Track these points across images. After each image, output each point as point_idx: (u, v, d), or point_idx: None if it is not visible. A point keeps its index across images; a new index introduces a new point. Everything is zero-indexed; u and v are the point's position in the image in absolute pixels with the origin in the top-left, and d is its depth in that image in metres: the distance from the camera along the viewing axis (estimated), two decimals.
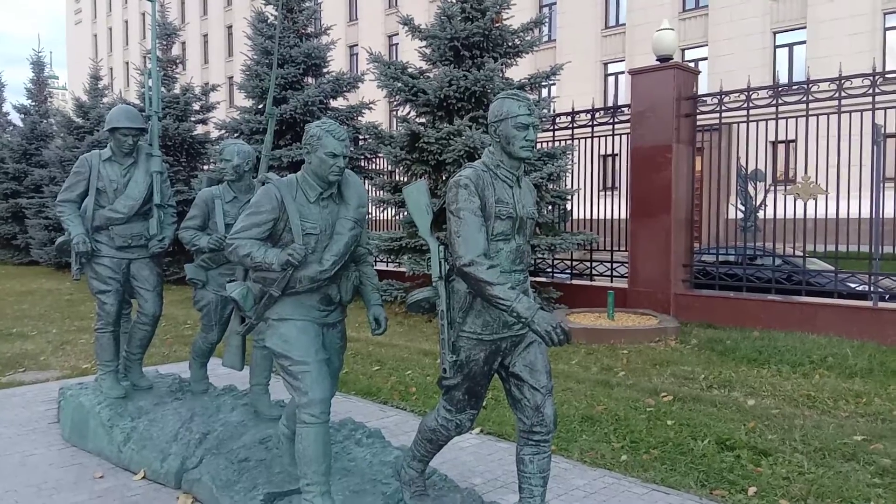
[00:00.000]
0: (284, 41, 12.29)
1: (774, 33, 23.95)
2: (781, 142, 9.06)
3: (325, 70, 12.81)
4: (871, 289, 8.06)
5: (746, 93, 8.91)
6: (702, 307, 9.14)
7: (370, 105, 12.44)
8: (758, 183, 11.39)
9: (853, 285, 8.75)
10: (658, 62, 9.63)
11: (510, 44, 9.62)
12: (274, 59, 3.56)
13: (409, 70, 9.73)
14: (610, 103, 25.04)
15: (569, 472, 3.93)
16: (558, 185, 9.46)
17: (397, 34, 33.75)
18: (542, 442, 2.70)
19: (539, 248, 8.93)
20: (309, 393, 2.90)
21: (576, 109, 10.19)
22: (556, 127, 10.43)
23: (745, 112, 8.91)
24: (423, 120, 9.74)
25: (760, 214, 9.96)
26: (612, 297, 8.70)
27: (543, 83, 9.55)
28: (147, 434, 4.01)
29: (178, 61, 15.51)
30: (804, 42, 23.11)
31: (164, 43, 15.30)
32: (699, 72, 9.95)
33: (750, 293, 9.02)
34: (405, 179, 9.93)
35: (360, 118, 12.67)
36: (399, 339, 8.19)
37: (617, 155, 10.14)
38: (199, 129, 15.23)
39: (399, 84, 9.39)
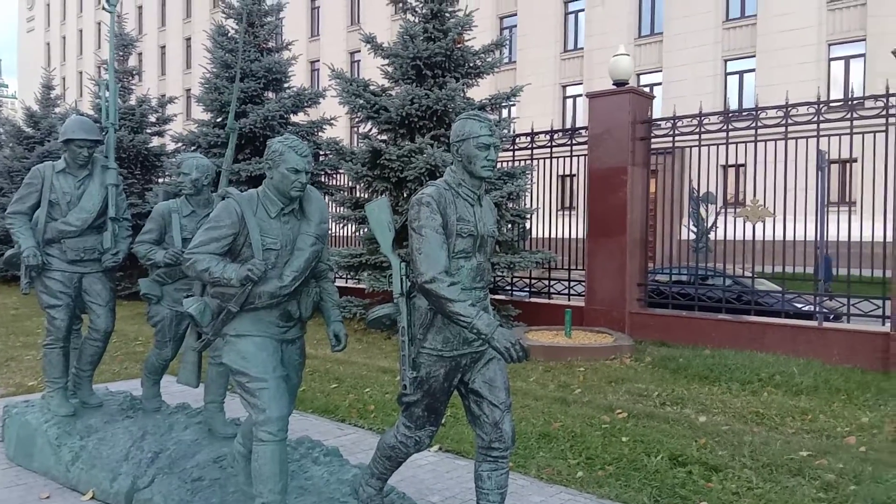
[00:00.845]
0: (245, 55, 12.22)
1: (726, 60, 24.78)
2: (731, 166, 9.35)
3: (285, 85, 12.78)
4: (817, 309, 8.35)
5: (699, 118, 9.20)
6: (656, 325, 9.33)
7: (331, 121, 12.44)
8: (709, 205, 11.75)
9: (800, 305, 9.06)
10: (615, 86, 9.89)
11: (471, 64, 9.76)
12: (236, 72, 3.56)
13: (371, 87, 9.77)
14: (568, 125, 25.51)
15: (526, 488, 3.96)
16: (518, 204, 9.58)
17: (359, 51, 33.81)
18: (501, 458, 2.73)
19: (499, 266, 9.01)
20: (266, 410, 2.87)
21: (535, 130, 10.35)
22: (515, 147, 10.59)
23: (696, 137, 9.19)
24: (384, 137, 9.78)
25: (711, 236, 10.28)
26: (570, 315, 8.82)
27: (504, 104, 9.70)
28: (97, 453, 3.91)
29: (134, 72, 15.27)
30: (754, 70, 23.96)
31: (121, 53, 15.05)
32: (654, 96, 10.25)
33: (702, 312, 9.25)
34: (366, 196, 9.94)
35: (320, 134, 12.65)
36: (358, 356, 8.14)
37: (574, 175, 10.35)
38: (155, 142, 14.98)
39: (361, 101, 9.42)
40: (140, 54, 41.92)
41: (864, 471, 4.22)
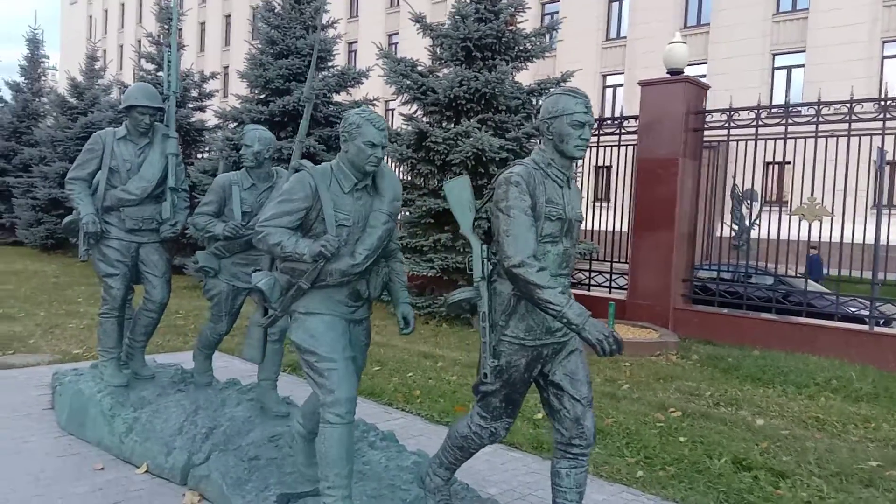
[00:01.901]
0: (291, 32, 12.12)
1: (774, 55, 24.11)
2: (786, 162, 9.03)
3: (329, 64, 12.67)
4: (871, 313, 8.05)
5: (756, 111, 8.89)
6: (700, 323, 9.10)
7: (374, 101, 12.31)
8: (752, 202, 11.43)
9: (852, 309, 8.75)
10: (668, 74, 9.60)
11: (521, 48, 9.54)
12: (316, 41, 3.42)
13: (419, 68, 9.61)
14: (608, 115, 25.09)
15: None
16: None
17: (398, 33, 33.60)
18: (581, 455, 2.59)
19: None
20: (335, 391, 2.77)
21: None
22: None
23: (753, 130, 8.89)
24: (428, 119, 9.62)
25: (753, 233, 9.99)
26: (614, 308, 8.62)
27: (552, 89, 9.44)
28: (150, 426, 3.86)
29: (180, 46, 15.25)
30: (802, 65, 23.30)
31: (166, 27, 15.05)
32: (709, 87, 9.91)
33: (751, 311, 8.99)
34: (409, 178, 9.80)
35: None
36: (398, 340, 8.04)
37: (611, 167, 10.10)
38: (196, 117, 15.00)
39: (408, 81, 9.27)
40: (180, 30, 42.16)
41: None
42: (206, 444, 3.64)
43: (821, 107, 8.33)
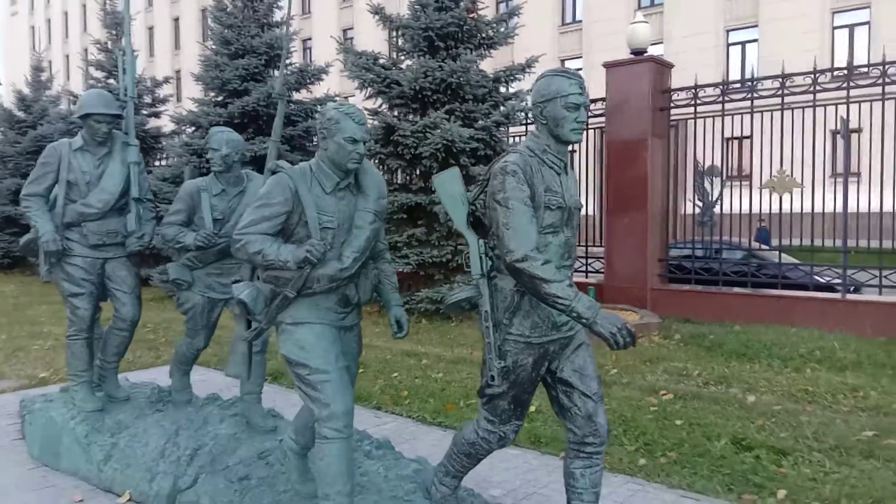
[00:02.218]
0: (245, 31, 11.80)
1: (728, 31, 24.39)
2: (746, 137, 9.05)
3: (287, 62, 12.35)
4: (843, 282, 8.13)
5: (722, 87, 8.91)
6: (678, 302, 9.11)
7: (335, 98, 12.06)
8: (714, 178, 11.52)
9: (826, 278, 8.84)
10: (632, 55, 9.55)
11: (483, 35, 9.39)
12: (285, 34, 3.22)
13: (381, 61, 9.41)
14: None
15: None
16: None
17: (352, 28, 33.16)
18: (595, 454, 2.48)
19: None
20: (331, 405, 2.61)
21: None
22: (528, 122, 10.24)
23: (718, 107, 8.89)
24: (394, 112, 9.43)
25: (720, 209, 10.06)
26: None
27: (518, 76, 9.35)
28: (130, 451, 3.64)
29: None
30: (756, 40, 23.60)
31: (113, 33, 14.55)
32: (672, 65, 9.90)
33: (726, 287, 9.03)
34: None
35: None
36: (377, 339, 7.87)
37: (574, 151, 10.03)
38: (151, 124, 14.55)
39: (371, 75, 9.06)
40: (151, 28, 41.02)
41: None
42: (191, 466, 3.44)
43: (785, 79, 8.36)
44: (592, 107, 9.76)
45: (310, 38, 35.22)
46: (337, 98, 12.09)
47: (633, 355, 6.82)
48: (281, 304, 2.72)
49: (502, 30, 9.68)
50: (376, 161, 9.01)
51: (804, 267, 8.85)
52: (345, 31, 34.45)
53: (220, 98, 11.85)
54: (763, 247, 10.77)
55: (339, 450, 2.62)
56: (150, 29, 44.45)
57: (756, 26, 23.64)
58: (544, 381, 2.55)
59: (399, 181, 9.28)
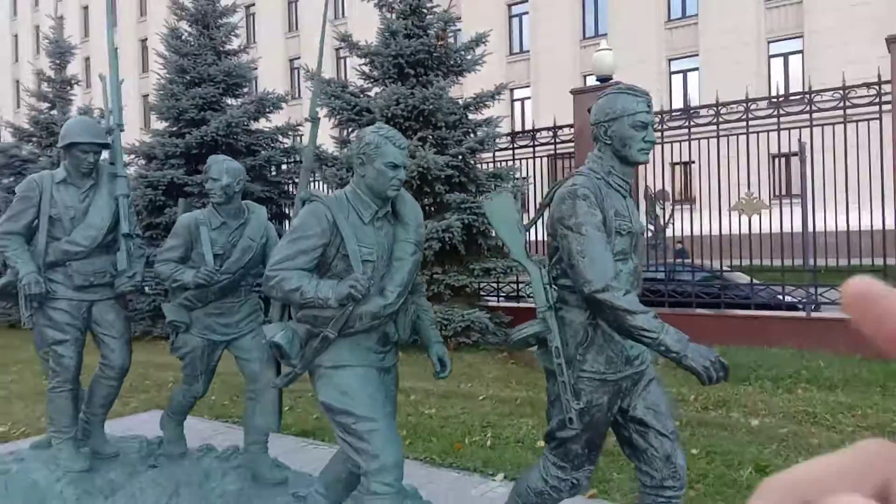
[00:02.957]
0: (201, 59, 11.47)
1: (669, 60, 25.19)
2: (691, 162, 9.25)
3: (244, 90, 12.07)
4: (810, 300, 8.30)
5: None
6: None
7: (298, 126, 11.80)
8: (664, 202, 11.74)
9: (789, 298, 9.04)
10: (598, 82, 9.65)
11: (452, 62, 9.34)
12: (320, 49, 3.01)
13: (350, 88, 9.23)
14: (518, 127, 25.38)
15: None
16: None
17: (344, 47, 32.31)
18: (674, 498, 2.32)
19: (495, 272, 8.62)
20: (380, 456, 2.38)
21: (525, 129, 10.05)
22: (512, 146, 10.22)
23: (686, 131, 9.04)
24: None
25: (681, 231, 10.25)
26: None
27: (489, 102, 9.31)
28: None
29: (73, 82, 14.18)
30: (697, 69, 24.45)
31: (57, 62, 13.95)
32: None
33: (701, 309, 9.09)
34: None
35: (285, 140, 12.01)
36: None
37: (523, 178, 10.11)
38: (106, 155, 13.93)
39: (340, 102, 8.87)
40: (87, 59, 39.28)
41: None
42: None
43: (720, 108, 8.60)
44: (545, 134, 9.86)
45: (298, 58, 34.00)
46: (299, 126, 11.81)
47: None
48: (320, 346, 2.48)
49: (469, 57, 9.65)
50: None
51: (775, 287, 9.00)
52: (337, 50, 33.30)
53: (175, 128, 11.44)
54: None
55: None
56: (115, 51, 42.53)
57: (697, 55, 24.47)
58: (614, 422, 2.39)
59: None
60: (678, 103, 23.99)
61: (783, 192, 15.62)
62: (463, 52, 9.51)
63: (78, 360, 3.63)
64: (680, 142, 8.99)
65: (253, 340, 3.69)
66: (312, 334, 2.51)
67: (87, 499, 3.39)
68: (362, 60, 9.30)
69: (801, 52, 22.80)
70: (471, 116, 9.39)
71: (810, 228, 9.11)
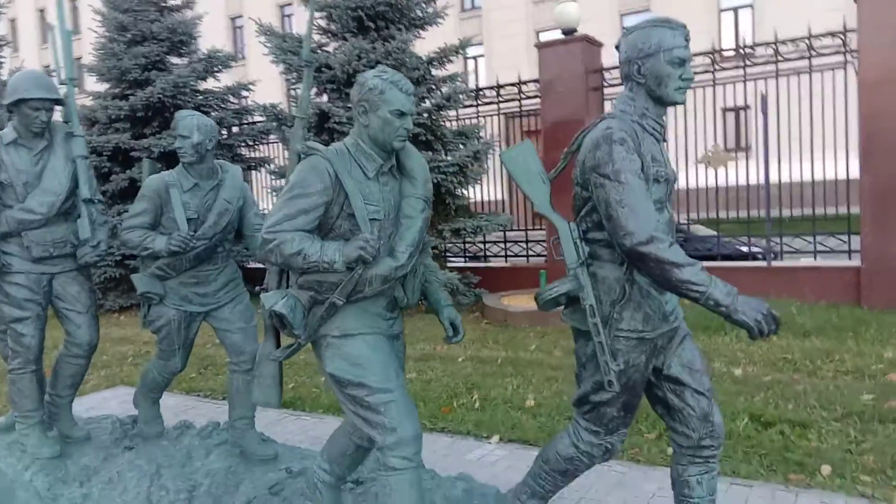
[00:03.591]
0: (142, 15, 10.78)
1: (622, 15, 25.07)
2: None
3: (192, 48, 11.42)
4: (768, 250, 8.43)
5: None
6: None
7: (249, 86, 11.27)
8: None
9: (744, 248, 9.20)
10: (563, 35, 9.43)
11: (413, 15, 8.97)
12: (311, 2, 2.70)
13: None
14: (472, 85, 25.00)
15: (629, 476, 3.48)
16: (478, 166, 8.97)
17: (291, 4, 30.86)
18: (712, 458, 2.21)
19: (465, 231, 8.43)
20: (398, 429, 2.20)
21: (490, 86, 9.79)
22: (476, 103, 9.95)
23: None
24: (324, 98, 8.85)
25: None
26: (545, 276, 8.40)
27: (452, 57, 9.00)
28: (108, 501, 3.04)
29: (1, 43, 13.22)
30: None
31: None
32: (602, 44, 9.87)
33: None
34: None
35: (238, 99, 11.46)
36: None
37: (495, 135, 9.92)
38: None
39: (297, 58, 8.43)
40: (13, 21, 36.72)
41: None
42: None
43: (715, 54, 8.51)
44: (505, 91, 9.66)
45: (240, 16, 32.66)
46: (250, 85, 11.28)
47: None
48: (326, 314, 2.26)
49: (430, 10, 9.28)
50: None
51: (739, 239, 9.10)
52: (282, 7, 31.87)
53: (118, 89, 10.78)
54: None
55: (411, 481, 2.22)
56: (42, 11, 39.55)
57: (649, 10, 24.39)
58: (647, 381, 2.25)
59: None
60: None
61: (745, 145, 15.82)
62: (424, 5, 9.13)
63: (40, 339, 3.32)
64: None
65: (234, 310, 3.45)
66: (317, 301, 2.28)
67: (60, 487, 3.12)
68: (319, 14, 8.83)
69: (750, 6, 22.95)
70: (434, 72, 9.06)
71: (770, 180, 9.19)
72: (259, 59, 11.21)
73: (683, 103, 2.16)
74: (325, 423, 4.56)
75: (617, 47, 2.21)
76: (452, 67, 9.56)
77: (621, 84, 7.52)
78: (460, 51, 9.04)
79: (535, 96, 9.39)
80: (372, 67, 8.07)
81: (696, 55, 8.46)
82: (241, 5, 32.66)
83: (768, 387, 4.77)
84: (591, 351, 2.13)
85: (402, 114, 2.26)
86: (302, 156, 2.33)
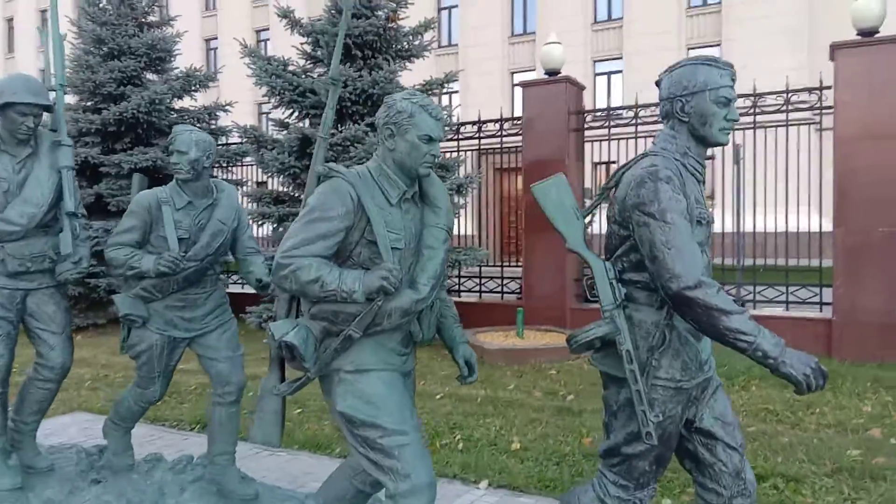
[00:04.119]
0: (120, 30, 10.58)
1: (594, 61, 25.66)
2: (612, 162, 9.34)
3: (169, 65, 11.23)
4: (740, 298, 8.52)
5: (635, 109, 9.06)
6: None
7: (226, 107, 11.08)
8: (585, 200, 11.87)
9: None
10: (546, 75, 9.52)
11: (401, 46, 8.96)
12: (345, 12, 2.58)
13: (291, 67, 8.69)
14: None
15: None
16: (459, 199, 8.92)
17: (267, 28, 30.69)
18: None
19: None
20: (412, 476, 2.05)
21: (481, 119, 9.80)
22: (457, 137, 9.93)
23: (633, 129, 9.05)
24: (304, 124, 8.74)
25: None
26: (522, 314, 8.33)
27: (436, 90, 9.00)
28: None
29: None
30: (621, 71, 25.02)
31: None
32: (584, 87, 10.00)
33: None
34: (289, 190, 8.84)
35: (213, 121, 11.26)
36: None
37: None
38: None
39: (281, 81, 8.32)
40: (10, 20, 35.81)
41: None
42: None
43: (638, 109, 8.76)
44: (466, 129, 9.72)
45: (214, 38, 32.43)
46: (227, 106, 11.09)
47: (580, 379, 6.62)
48: (340, 347, 2.11)
49: (416, 43, 9.30)
50: (290, 175, 8.25)
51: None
52: (258, 31, 31.73)
53: (91, 103, 10.50)
54: None
55: None
56: (10, 21, 38.43)
57: (620, 58, 25.02)
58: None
59: None
60: (602, 104, 24.50)
61: (712, 194, 16.17)
62: (411, 38, 9.14)
63: (9, 359, 3.09)
64: (600, 141, 9.13)
65: (221, 337, 3.27)
66: (330, 333, 2.13)
67: None
68: (303, 39, 8.77)
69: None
70: None
71: (743, 229, 9.35)
72: (232, 81, 11.08)
73: (726, 144, 2.10)
74: (301, 461, 4.33)
75: (657, 84, 2.15)
76: (435, 101, 9.59)
77: (602, 126, 7.64)
78: (445, 84, 9.04)
79: (515, 133, 9.42)
80: (358, 96, 8.07)
81: (648, 105, 8.70)
82: (217, 27, 32.60)
83: (754, 437, 4.72)
84: (625, 399, 2.02)
85: (430, 139, 2.16)
86: (322, 178, 2.20)
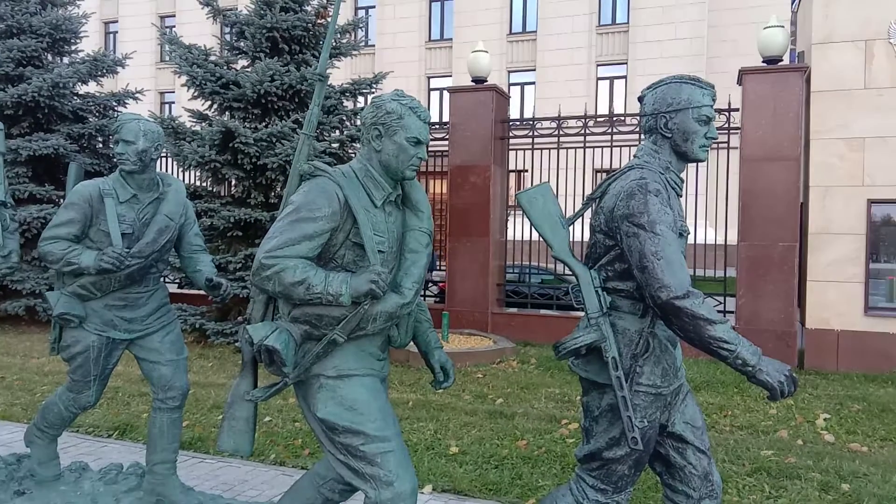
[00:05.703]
0: (21, 6, 9.85)
1: (509, 72, 26.15)
2: (525, 170, 9.68)
3: (74, 48, 10.55)
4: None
5: (558, 121, 9.32)
6: (517, 325, 9.28)
7: (136, 94, 10.52)
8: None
9: None
10: (473, 83, 9.63)
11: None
12: (336, 6, 2.50)
13: (213, 58, 8.36)
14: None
15: None
16: None
17: (174, 15, 28.99)
18: None
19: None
20: (395, 483, 2.02)
21: None
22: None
23: (555, 140, 9.31)
24: (226, 117, 8.42)
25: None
26: (448, 318, 8.36)
27: (364, 90, 8.91)
28: None
29: None
30: (534, 83, 25.62)
31: None
32: (510, 97, 10.20)
33: (561, 311, 9.43)
34: (208, 185, 8.49)
35: (120, 108, 10.66)
36: (216, 376, 6.86)
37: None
38: None
39: (202, 72, 7.98)
40: None
41: (842, 467, 4.37)
42: None
43: (561, 121, 9.11)
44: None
45: (115, 21, 30.36)
46: (137, 93, 10.53)
47: (505, 382, 6.73)
48: (323, 352, 2.05)
49: (344, 41, 9.18)
50: (209, 170, 7.92)
51: None
52: (163, 18, 29.92)
53: None
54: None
55: None
56: None
57: (534, 70, 25.62)
58: None
59: (235, 194, 8.27)
60: (515, 114, 24.98)
61: None
62: (339, 35, 9.01)
63: None
64: (524, 149, 9.39)
65: (164, 339, 3.09)
66: (312, 337, 2.06)
67: None
68: (228, 30, 8.46)
69: (624, 77, 24.74)
70: (346, 104, 8.92)
71: None
72: (133, 68, 10.56)
73: (705, 160, 2.20)
74: (234, 468, 4.16)
75: (640, 99, 2.22)
76: (361, 101, 9.49)
77: (525, 136, 7.83)
78: (373, 85, 8.96)
79: (443, 138, 9.47)
80: (285, 91, 7.86)
81: (570, 118, 9.07)
82: (117, 10, 30.82)
83: None
84: (607, 405, 2.06)
85: (418, 142, 2.13)
86: (306, 176, 2.12)
